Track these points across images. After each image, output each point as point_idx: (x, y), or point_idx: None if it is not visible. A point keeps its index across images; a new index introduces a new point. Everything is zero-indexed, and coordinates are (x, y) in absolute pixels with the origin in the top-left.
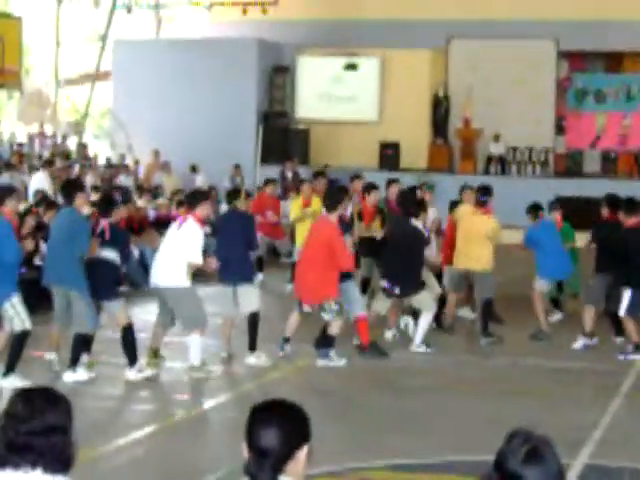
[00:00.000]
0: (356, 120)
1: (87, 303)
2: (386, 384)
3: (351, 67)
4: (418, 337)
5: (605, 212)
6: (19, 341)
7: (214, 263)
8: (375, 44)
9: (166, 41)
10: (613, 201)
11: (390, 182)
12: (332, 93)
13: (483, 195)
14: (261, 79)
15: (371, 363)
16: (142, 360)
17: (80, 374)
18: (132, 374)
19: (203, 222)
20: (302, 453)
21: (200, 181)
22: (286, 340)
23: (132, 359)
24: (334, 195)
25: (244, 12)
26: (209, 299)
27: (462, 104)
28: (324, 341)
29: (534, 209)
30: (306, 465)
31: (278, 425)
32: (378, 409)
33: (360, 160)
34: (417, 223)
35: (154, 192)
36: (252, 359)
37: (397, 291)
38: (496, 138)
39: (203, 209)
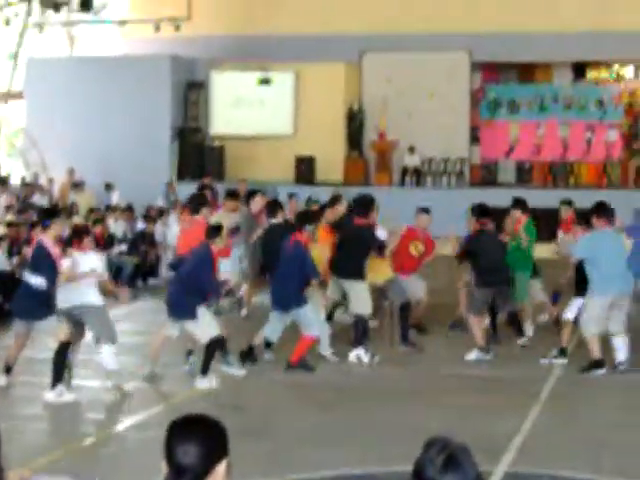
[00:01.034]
0: (271, 135)
1: None
2: (308, 399)
3: (265, 82)
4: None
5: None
6: None
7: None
8: (289, 59)
9: (79, 59)
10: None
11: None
12: (246, 108)
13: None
14: (175, 95)
15: (292, 378)
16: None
17: None
18: (51, 396)
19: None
20: (221, 468)
21: (115, 198)
22: (189, 353)
23: (56, 380)
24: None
25: (157, 29)
26: (128, 316)
27: (376, 117)
28: (250, 354)
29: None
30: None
31: (196, 441)
32: (300, 424)
33: (276, 174)
34: (362, 221)
35: (69, 210)
36: (204, 383)
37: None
38: (411, 150)
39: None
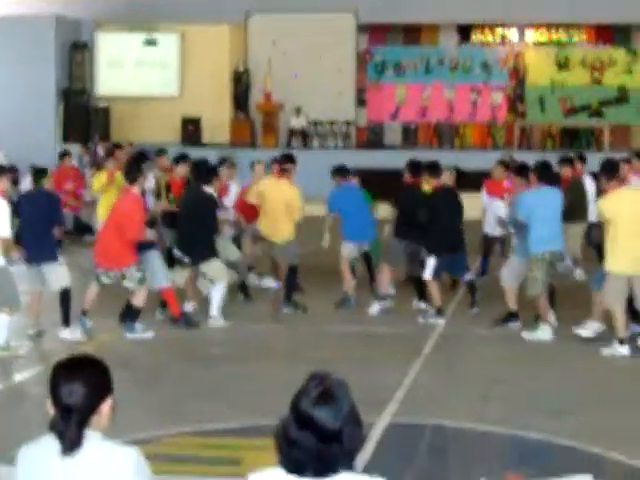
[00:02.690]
0: (157, 96)
1: None
2: (191, 354)
3: (151, 43)
4: (214, 309)
5: (407, 177)
6: None
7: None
8: (174, 20)
9: None
10: (414, 165)
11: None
12: (132, 69)
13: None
14: (60, 56)
15: (177, 334)
16: None
17: None
18: None
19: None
20: (106, 406)
21: (0, 159)
22: (84, 313)
23: None
24: (133, 168)
25: None
26: (16, 277)
27: (262, 79)
28: (129, 314)
29: (341, 172)
30: (110, 417)
31: (81, 380)
32: (183, 379)
33: (162, 136)
34: (209, 189)
35: None
36: (66, 333)
37: (187, 260)
38: (297, 112)
39: (3, 183)
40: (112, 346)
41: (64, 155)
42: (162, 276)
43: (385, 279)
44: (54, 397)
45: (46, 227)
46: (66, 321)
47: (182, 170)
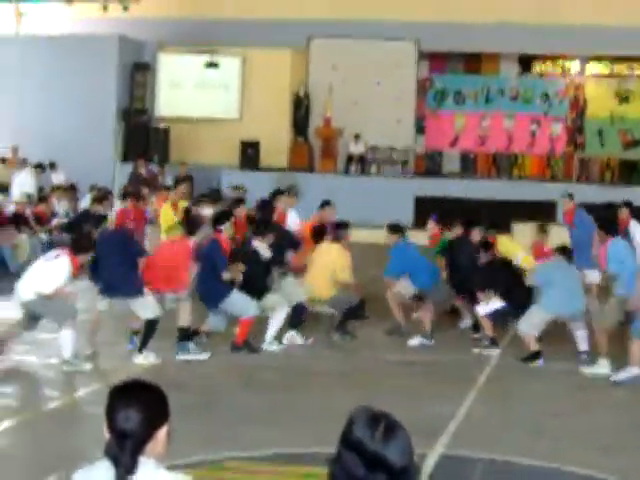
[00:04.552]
0: (217, 118)
1: None
2: (244, 379)
3: (212, 65)
4: (270, 334)
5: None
6: None
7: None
8: (236, 43)
9: (26, 37)
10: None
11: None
12: (193, 91)
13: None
14: (121, 76)
15: (230, 358)
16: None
17: None
18: None
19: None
20: (162, 433)
21: (59, 178)
22: (135, 333)
23: None
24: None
25: (104, 9)
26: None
27: (322, 103)
28: (182, 335)
29: (396, 230)
30: (166, 445)
31: (137, 406)
32: (236, 403)
33: (221, 158)
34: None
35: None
36: (140, 358)
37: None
38: (356, 137)
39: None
40: (165, 368)
41: (126, 196)
42: (252, 307)
43: (429, 317)
44: (110, 421)
45: (123, 263)
46: (143, 347)
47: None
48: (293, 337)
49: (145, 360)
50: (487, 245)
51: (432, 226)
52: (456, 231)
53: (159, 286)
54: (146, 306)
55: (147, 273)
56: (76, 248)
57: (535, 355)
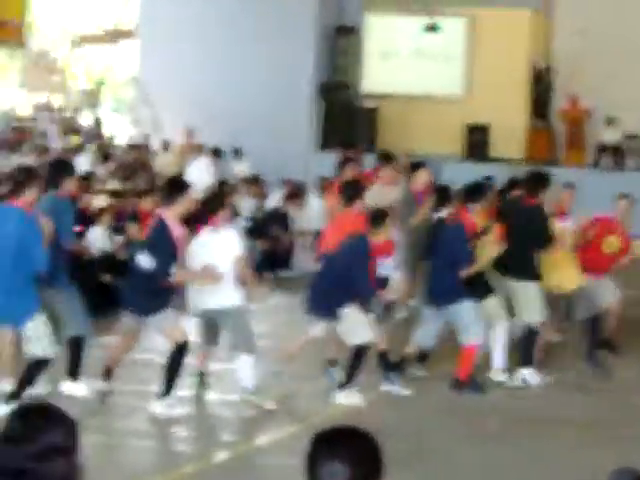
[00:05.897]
0: (436, 95)
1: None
2: (467, 425)
3: (432, 29)
4: (498, 361)
5: None
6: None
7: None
8: (462, 1)
9: None
10: None
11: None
12: (407, 61)
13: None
14: (320, 43)
15: (451, 398)
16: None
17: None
18: (160, 408)
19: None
20: None
21: (243, 168)
22: (331, 364)
23: (167, 389)
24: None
25: None
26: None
27: (569, 79)
28: (384, 362)
29: None
30: None
31: (347, 460)
32: (457, 454)
33: (439, 146)
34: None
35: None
36: (342, 397)
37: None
38: (610, 122)
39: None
40: (370, 407)
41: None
42: (479, 329)
43: None
44: (312, 477)
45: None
46: (347, 382)
47: None
48: (529, 376)
49: (346, 400)
50: None
51: None
52: None
53: None
54: (356, 328)
55: None
56: None
57: None
